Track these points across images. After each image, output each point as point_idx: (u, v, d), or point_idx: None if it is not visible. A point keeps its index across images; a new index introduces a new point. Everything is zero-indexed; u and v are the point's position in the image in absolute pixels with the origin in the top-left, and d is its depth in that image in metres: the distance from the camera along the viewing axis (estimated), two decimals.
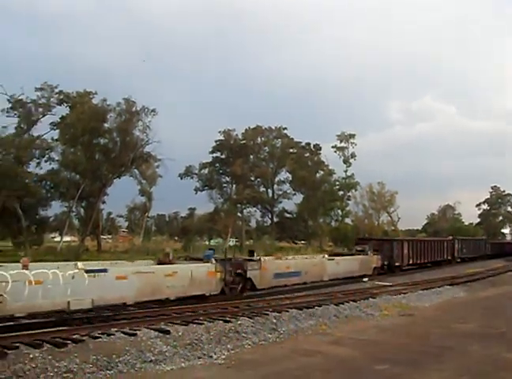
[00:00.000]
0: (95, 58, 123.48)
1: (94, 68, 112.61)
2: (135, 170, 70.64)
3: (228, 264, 22.66)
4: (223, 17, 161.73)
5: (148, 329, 14.77)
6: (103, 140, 61.57)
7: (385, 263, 38.74)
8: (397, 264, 40.96)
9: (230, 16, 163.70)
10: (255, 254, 27.24)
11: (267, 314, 18.16)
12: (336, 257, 32.86)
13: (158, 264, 21.87)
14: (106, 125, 60.68)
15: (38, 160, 60.18)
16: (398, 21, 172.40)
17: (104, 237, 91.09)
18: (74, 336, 13.47)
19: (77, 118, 56.85)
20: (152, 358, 12.57)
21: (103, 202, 69.45)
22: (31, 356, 11.66)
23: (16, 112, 58.18)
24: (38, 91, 58.38)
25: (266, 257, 27.60)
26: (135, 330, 14.55)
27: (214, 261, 22.11)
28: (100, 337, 13.64)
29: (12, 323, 14.93)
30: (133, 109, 60.41)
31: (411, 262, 44.16)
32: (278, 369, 12.29)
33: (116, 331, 14.37)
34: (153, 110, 60.68)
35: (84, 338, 13.41)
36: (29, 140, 58.57)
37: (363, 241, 42.32)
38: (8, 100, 57.25)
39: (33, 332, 13.78)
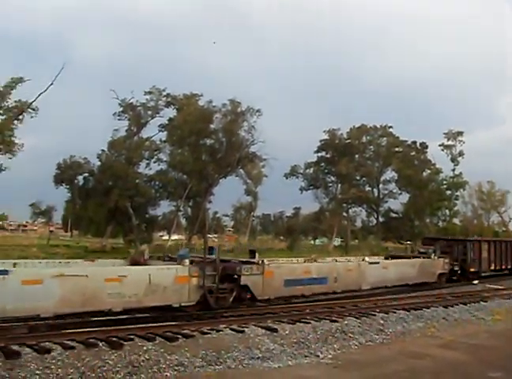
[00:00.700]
0: (200, 61, 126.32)
1: (200, 70, 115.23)
2: (241, 170, 71.48)
3: (210, 266, 17.49)
4: (323, 16, 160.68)
5: (256, 327, 14.97)
6: (209, 141, 62.94)
7: (457, 268, 31.99)
8: (472, 269, 33.61)
9: (330, 16, 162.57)
10: (257, 255, 20.75)
11: (374, 315, 18.04)
12: (384, 261, 27.35)
13: (131, 264, 18.32)
14: (212, 126, 62.01)
15: (147, 161, 62.07)
16: None
17: (210, 236, 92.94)
18: (184, 331, 13.88)
19: (184, 119, 58.37)
20: (260, 355, 12.74)
21: (210, 201, 70.74)
22: (144, 348, 12.14)
23: (126, 115, 60.49)
24: (147, 95, 60.47)
25: (275, 260, 23.68)
26: (243, 327, 14.80)
27: (187, 263, 17.19)
28: (209, 333, 13.99)
29: (126, 316, 15.60)
30: (239, 110, 61.32)
31: (493, 268, 35.98)
32: (385, 370, 12.14)
33: (224, 327, 14.68)
34: (258, 111, 61.46)
35: (194, 333, 13.79)
36: (139, 142, 60.70)
37: (431, 241, 35.04)
38: (119, 104, 59.73)
39: (147, 325, 14.33)
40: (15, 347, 11.42)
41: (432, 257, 29.47)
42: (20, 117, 47.22)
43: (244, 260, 20.20)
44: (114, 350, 11.85)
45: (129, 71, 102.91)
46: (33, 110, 47.54)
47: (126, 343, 12.38)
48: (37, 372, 10.37)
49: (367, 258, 26.08)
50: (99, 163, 62.56)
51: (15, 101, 47.17)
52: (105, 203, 58.53)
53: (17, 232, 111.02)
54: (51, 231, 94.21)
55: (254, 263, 19.32)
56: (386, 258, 29.20)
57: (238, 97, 61.69)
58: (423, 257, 29.44)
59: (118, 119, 60.32)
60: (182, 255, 18.00)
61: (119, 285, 15.22)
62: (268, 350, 13.12)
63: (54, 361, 10.92)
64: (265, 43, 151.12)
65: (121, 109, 59.96)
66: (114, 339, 12.59)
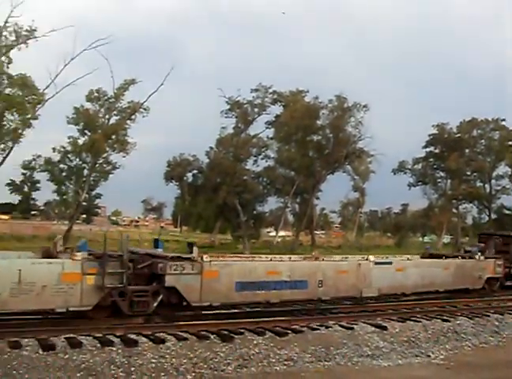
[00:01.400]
0: (305, 58, 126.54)
1: (305, 67, 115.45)
2: (348, 166, 70.90)
3: (116, 262, 13.62)
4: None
5: (365, 324, 14.81)
6: (316, 137, 62.80)
7: None
8: None
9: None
10: (195, 250, 15.30)
11: (488, 315, 17.35)
12: (400, 261, 20.82)
13: (43, 257, 13.86)
14: (318, 122, 61.85)
15: (255, 158, 62.64)
16: None
17: (318, 232, 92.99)
18: (294, 327, 13.91)
19: (290, 116, 58.43)
20: (369, 353, 12.64)
21: (317, 198, 70.76)
22: (254, 342, 12.32)
23: (233, 113, 61.24)
24: (253, 92, 60.88)
25: (224, 256, 17.59)
26: (352, 324, 14.68)
27: (81, 256, 13.21)
28: (318, 329, 13.97)
29: (236, 310, 15.92)
30: (345, 105, 60.82)
31: None
32: (501, 375, 11.74)
33: (333, 323, 14.61)
34: (365, 106, 60.66)
35: (303, 329, 13.80)
36: (246, 139, 61.44)
37: (487, 237, 27.99)
38: (226, 102, 60.64)
39: (257, 320, 14.49)
40: (132, 336, 11.93)
41: (477, 257, 22.81)
42: (133, 117, 49.01)
43: (179, 255, 15.38)
44: (225, 343, 12.10)
45: (234, 69, 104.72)
46: (145, 109, 49.26)
47: (236, 336, 12.58)
48: (153, 360, 10.80)
49: (371, 257, 19.43)
50: (207, 160, 64.25)
51: (128, 102, 49.05)
52: (214, 199, 59.94)
53: (130, 227, 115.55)
54: (162, 227, 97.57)
55: (187, 259, 14.82)
56: (424, 257, 23.15)
57: (345, 93, 61.21)
58: (467, 258, 23.15)
59: (226, 117, 61.25)
60: (80, 247, 13.94)
61: None
62: (377, 348, 13.00)
63: (168, 351, 11.32)
64: (366, 37, 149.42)
65: (228, 107, 60.83)
66: (225, 332, 12.82)
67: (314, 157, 62.59)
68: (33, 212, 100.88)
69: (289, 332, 13.37)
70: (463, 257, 23.32)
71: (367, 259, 19.20)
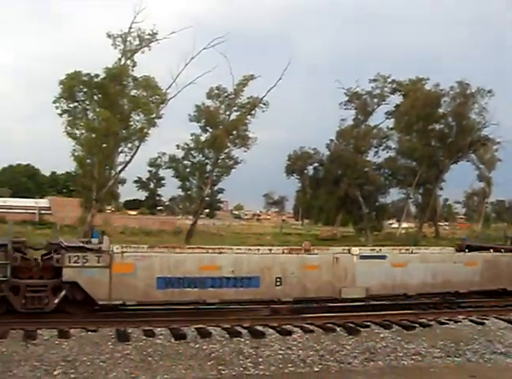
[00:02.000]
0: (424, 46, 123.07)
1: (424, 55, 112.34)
2: (472, 155, 68.09)
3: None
4: None
5: (497, 319, 14.25)
6: (438, 126, 60.82)
7: None
8: None
9: None
10: (106, 239, 13.48)
11: None
12: (400, 254, 16.90)
13: None
14: (440, 110, 59.85)
15: (375, 149, 61.84)
16: None
17: (441, 224, 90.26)
18: (421, 320, 13.66)
19: (410, 105, 57.03)
20: (503, 350, 12.10)
21: (441, 188, 68.59)
22: (381, 335, 12.20)
23: (352, 104, 60.77)
24: (372, 83, 60.06)
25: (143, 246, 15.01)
26: (483, 319, 14.17)
27: None
28: (447, 323, 13.62)
29: (363, 303, 15.61)
30: (468, 92, 58.44)
31: None
32: None
33: (463, 318, 14.19)
34: (489, 91, 57.98)
35: (431, 323, 13.51)
36: (367, 130, 60.64)
37: None
38: (345, 94, 60.26)
39: (383, 313, 14.36)
40: (259, 328, 12.17)
41: None
42: (253, 112, 49.65)
43: (82, 245, 13.32)
44: (352, 336, 12.06)
45: (351, 61, 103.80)
46: (264, 104, 49.78)
47: (362, 329, 12.54)
48: (280, 352, 10.95)
49: (355, 249, 15.91)
50: (328, 152, 64.02)
51: (247, 98, 49.71)
52: (335, 192, 59.80)
53: (252, 221, 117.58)
54: (284, 220, 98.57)
55: (92, 250, 12.94)
56: (462, 250, 18.32)
57: (467, 79, 58.84)
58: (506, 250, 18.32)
59: (345, 109, 60.99)
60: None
61: None
62: (511, 345, 12.41)
63: (295, 343, 11.45)
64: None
65: (347, 98, 60.42)
66: (351, 325, 12.78)
67: (436, 146, 60.51)
68: (159, 208, 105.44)
69: (416, 325, 13.13)
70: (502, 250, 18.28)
71: (348, 251, 15.71)
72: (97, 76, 41.43)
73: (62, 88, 40.59)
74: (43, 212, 65.37)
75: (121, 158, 44.19)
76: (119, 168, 45.03)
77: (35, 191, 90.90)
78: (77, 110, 42.03)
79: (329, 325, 12.69)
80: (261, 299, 14.37)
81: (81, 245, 13.29)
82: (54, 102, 41.00)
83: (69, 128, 41.27)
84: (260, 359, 10.61)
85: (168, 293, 13.42)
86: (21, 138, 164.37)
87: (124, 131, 42.68)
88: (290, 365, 10.53)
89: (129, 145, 43.63)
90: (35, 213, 64.38)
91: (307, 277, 14.64)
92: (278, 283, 14.27)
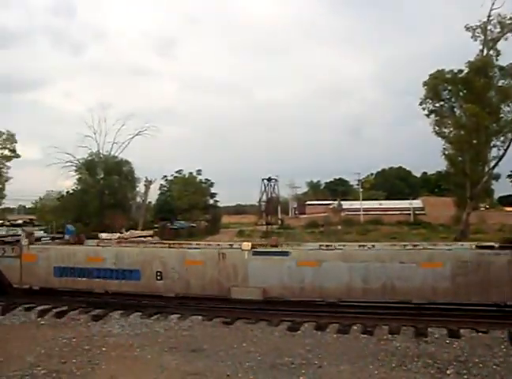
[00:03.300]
0: None
1: None
2: None
3: None
4: None
5: None
6: None
7: None
8: None
9: None
10: (21, 232, 17.54)
11: None
12: (317, 252, 13.94)
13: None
14: None
15: None
16: None
17: None
18: None
19: None
20: None
21: None
22: None
23: None
24: None
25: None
26: None
27: None
28: None
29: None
30: None
31: None
32: None
33: None
34: None
35: None
36: None
37: None
38: None
39: None
40: None
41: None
42: None
43: (3, 239, 17.05)
44: None
45: None
46: None
47: None
48: None
49: (246, 244, 14.21)
50: None
51: None
52: None
53: None
54: None
55: (7, 243, 16.39)
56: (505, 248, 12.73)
57: None
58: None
59: None
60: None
61: None
62: None
63: None
64: None
65: None
66: None
67: None
68: None
69: None
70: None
71: (240, 247, 14.28)
72: (460, 71, 41.32)
73: (427, 89, 41.73)
74: (417, 212, 68.56)
75: (493, 152, 43.01)
76: (492, 163, 43.38)
77: (408, 192, 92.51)
78: (444, 109, 42.61)
79: None
80: (143, 292, 14.72)
81: (3, 239, 16.90)
82: (421, 103, 42.51)
83: (437, 127, 42.36)
84: None
85: (63, 281, 15.47)
86: (391, 142, 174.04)
87: (494, 124, 41.14)
88: None
89: (502, 139, 41.91)
90: (409, 214, 67.23)
91: (190, 273, 14.24)
92: (159, 278, 14.44)
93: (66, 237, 17.35)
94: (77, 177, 55.70)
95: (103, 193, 53.29)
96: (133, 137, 54.49)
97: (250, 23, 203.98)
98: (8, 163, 64.17)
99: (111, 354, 10.50)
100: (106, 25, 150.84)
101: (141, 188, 58.46)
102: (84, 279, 15.13)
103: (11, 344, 11.20)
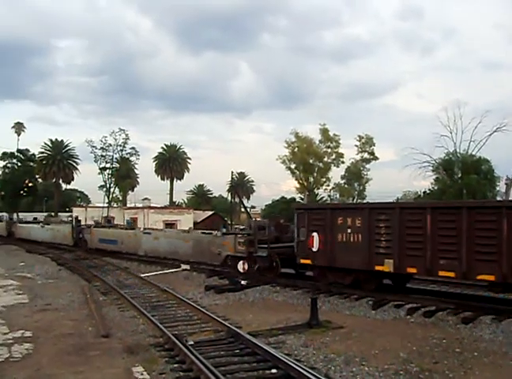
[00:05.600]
0: None
1: None
2: None
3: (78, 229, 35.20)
4: None
5: None
6: None
7: None
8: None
9: None
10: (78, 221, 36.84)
11: None
12: (158, 232, 29.90)
13: None
14: None
15: None
16: None
17: None
18: None
19: None
20: None
21: None
22: None
23: None
24: None
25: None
26: None
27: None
28: None
29: None
30: None
31: None
32: None
33: None
34: None
35: None
36: None
37: None
38: None
39: None
40: None
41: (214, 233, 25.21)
42: None
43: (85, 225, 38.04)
44: None
45: None
46: None
47: None
48: None
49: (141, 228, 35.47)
50: None
51: None
52: None
53: None
54: None
55: (87, 227, 35.88)
56: None
57: None
58: None
59: None
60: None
61: None
62: None
63: None
64: None
65: None
66: None
67: None
68: None
69: None
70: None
71: (143, 230, 30.68)
72: None
73: None
74: None
75: None
76: None
77: None
78: None
79: None
80: (117, 250, 30.87)
81: (85, 225, 36.75)
82: None
83: None
84: None
85: (101, 245, 32.06)
86: None
87: None
88: None
89: None
90: None
91: (129, 241, 29.94)
92: (121, 243, 30.33)
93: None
94: (434, 177, 56.04)
95: (461, 193, 52.83)
96: (490, 134, 52.42)
97: None
98: (367, 166, 67.76)
99: (484, 360, 10.24)
100: (455, 23, 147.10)
101: (501, 187, 56.42)
102: (105, 244, 31.44)
103: (385, 338, 11.72)
